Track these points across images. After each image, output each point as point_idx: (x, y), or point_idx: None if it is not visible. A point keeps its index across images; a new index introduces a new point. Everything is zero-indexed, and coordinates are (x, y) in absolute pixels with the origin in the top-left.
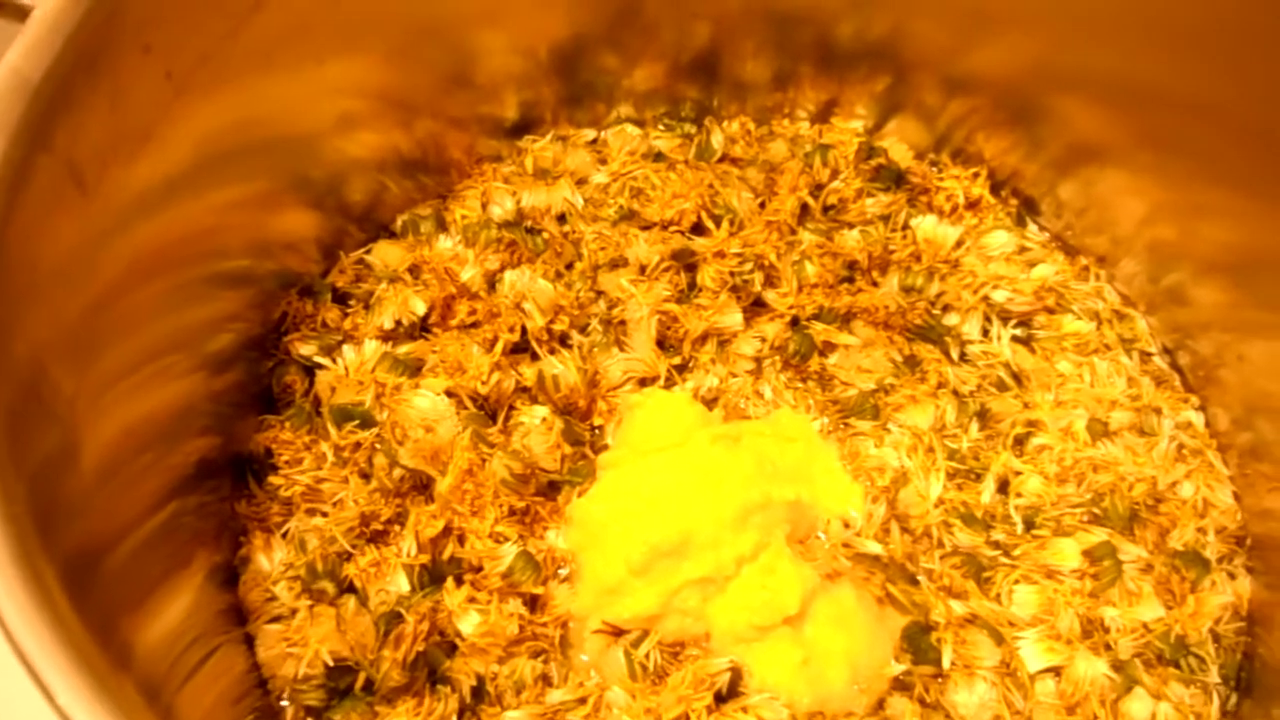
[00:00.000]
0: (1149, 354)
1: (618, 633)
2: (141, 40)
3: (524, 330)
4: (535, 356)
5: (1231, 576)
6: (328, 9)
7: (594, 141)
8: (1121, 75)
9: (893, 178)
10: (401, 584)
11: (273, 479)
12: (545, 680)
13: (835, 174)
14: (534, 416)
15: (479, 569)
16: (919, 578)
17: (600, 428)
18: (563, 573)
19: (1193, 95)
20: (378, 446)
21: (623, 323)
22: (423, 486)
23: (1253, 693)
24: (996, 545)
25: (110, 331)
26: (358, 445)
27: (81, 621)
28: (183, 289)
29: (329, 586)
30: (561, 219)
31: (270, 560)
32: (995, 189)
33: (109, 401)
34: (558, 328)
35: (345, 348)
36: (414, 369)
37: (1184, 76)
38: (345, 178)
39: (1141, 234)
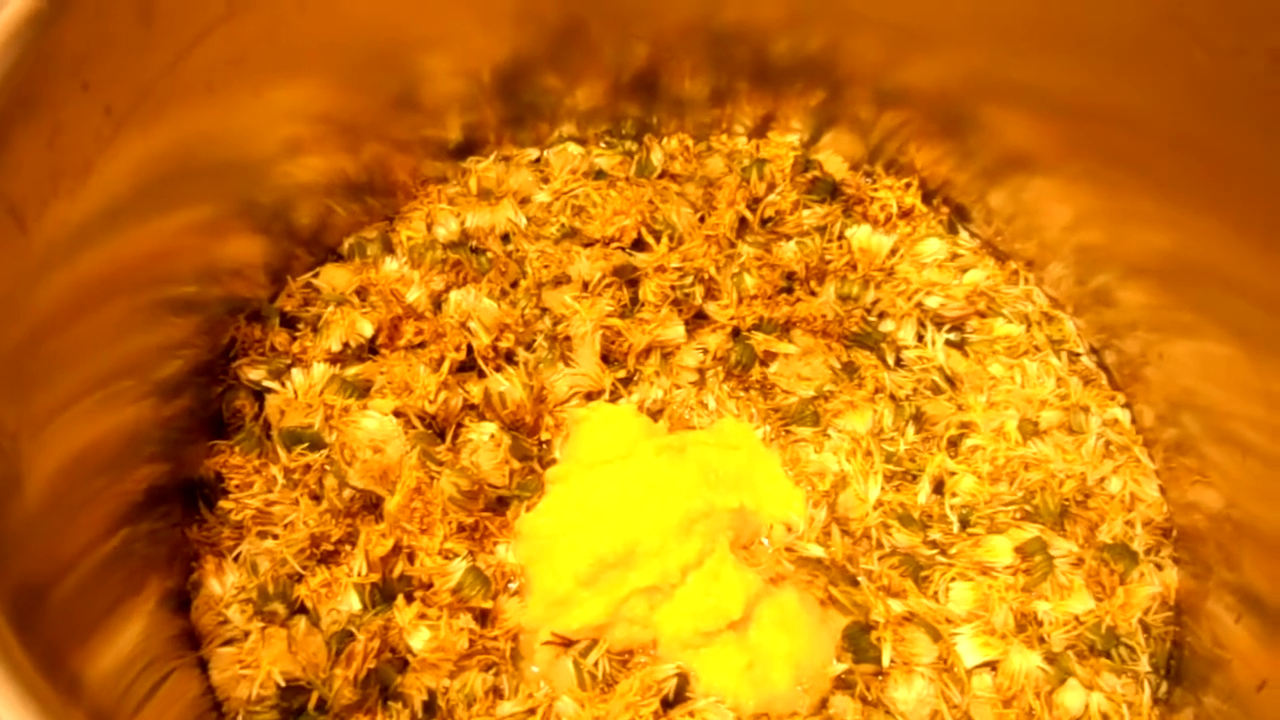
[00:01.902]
0: (1077, 354)
1: (567, 643)
2: (80, 78)
3: (470, 349)
4: (482, 374)
5: (1159, 568)
6: (268, 39)
7: (537, 161)
8: (1049, 87)
9: (828, 189)
10: (352, 603)
11: (223, 503)
12: (496, 693)
13: (772, 187)
14: (482, 433)
15: (429, 585)
16: (859, 578)
17: (548, 442)
18: (512, 586)
19: (1118, 106)
20: (327, 468)
21: (567, 338)
22: (373, 506)
23: (1182, 681)
24: (933, 544)
25: (54, 362)
26: (308, 467)
27: (29, 654)
28: (130, 317)
29: (280, 608)
30: (505, 238)
31: (222, 584)
32: (927, 198)
33: (54, 431)
34: (503, 345)
35: (294, 371)
36: (362, 390)
37: (1110, 88)
38: (292, 202)
39: (1069, 239)
